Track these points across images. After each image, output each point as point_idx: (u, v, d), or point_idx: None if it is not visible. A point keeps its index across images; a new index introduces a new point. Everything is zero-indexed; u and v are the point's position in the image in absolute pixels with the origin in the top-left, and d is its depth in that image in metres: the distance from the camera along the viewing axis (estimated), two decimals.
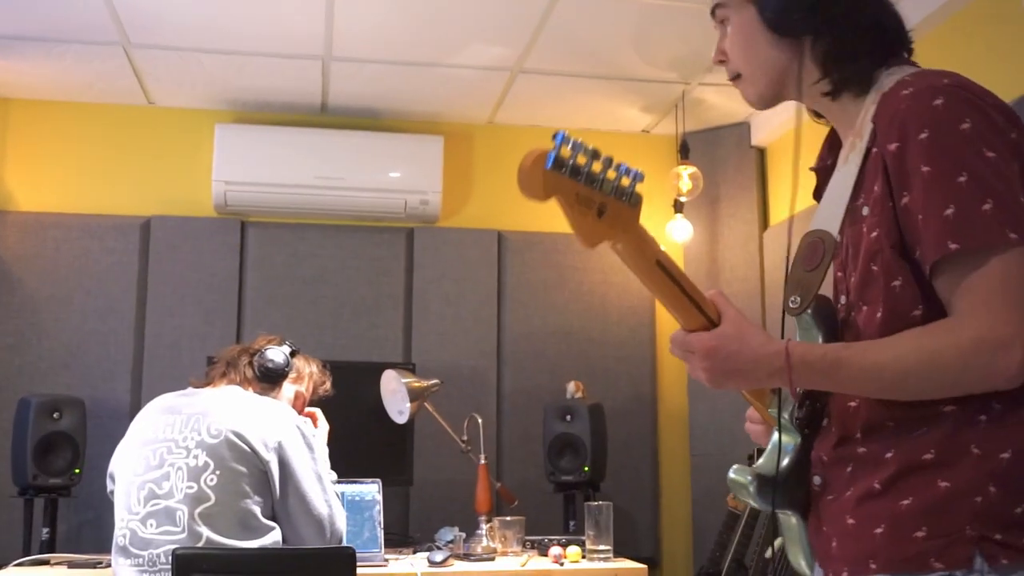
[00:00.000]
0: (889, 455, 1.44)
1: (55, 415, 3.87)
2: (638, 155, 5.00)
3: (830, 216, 1.54)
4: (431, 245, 4.75)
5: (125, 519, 2.63)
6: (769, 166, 4.88)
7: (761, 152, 4.88)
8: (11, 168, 4.55)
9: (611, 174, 1.34)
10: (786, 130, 4.60)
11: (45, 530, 3.87)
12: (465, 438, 3.97)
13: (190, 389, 2.82)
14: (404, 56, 4.20)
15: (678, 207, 4.69)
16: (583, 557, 3.61)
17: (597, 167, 1.32)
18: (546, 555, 3.67)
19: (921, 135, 1.40)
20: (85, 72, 4.34)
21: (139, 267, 4.51)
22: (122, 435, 2.86)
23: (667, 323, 4.80)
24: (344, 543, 2.76)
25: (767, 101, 1.66)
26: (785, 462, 1.56)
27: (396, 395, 3.83)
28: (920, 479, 1.40)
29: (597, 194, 1.33)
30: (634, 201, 1.38)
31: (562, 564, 3.56)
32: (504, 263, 4.80)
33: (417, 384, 3.83)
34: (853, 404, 1.49)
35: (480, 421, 3.97)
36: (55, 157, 4.59)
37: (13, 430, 3.91)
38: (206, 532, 2.54)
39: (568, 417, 4.27)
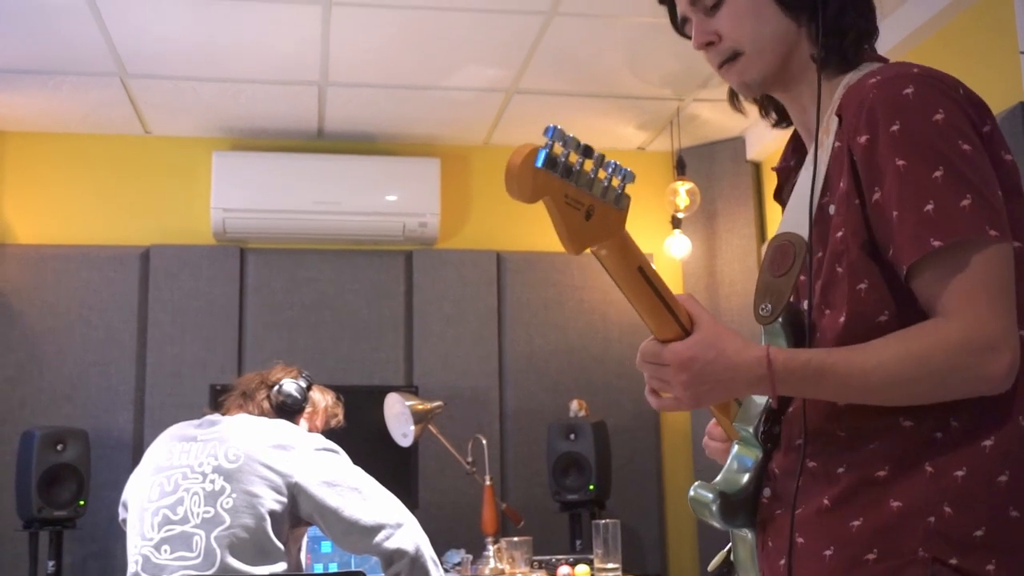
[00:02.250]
0: (840, 470, 1.37)
1: (59, 447, 3.86)
2: (635, 172, 5.00)
3: (799, 218, 1.46)
4: (430, 267, 4.75)
5: (138, 545, 2.63)
6: (765, 180, 4.90)
7: (756, 166, 4.90)
8: (9, 201, 4.56)
9: (602, 173, 1.25)
10: (781, 144, 4.61)
11: (51, 563, 3.85)
12: (470, 459, 3.96)
13: (206, 418, 2.82)
14: (399, 80, 4.22)
15: (676, 223, 4.70)
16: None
17: (588, 165, 1.24)
18: (555, 575, 3.66)
19: (892, 126, 1.33)
20: (82, 103, 4.35)
21: (139, 296, 4.51)
22: (127, 465, 2.86)
23: None
24: (417, 540, 2.70)
25: (769, 81, 1.54)
26: (745, 478, 1.47)
27: (400, 418, 3.83)
28: (871, 497, 1.33)
29: (586, 195, 1.24)
30: (622, 203, 1.29)
31: None
32: (503, 283, 4.81)
33: (420, 406, 3.83)
34: (806, 411, 1.41)
35: (484, 442, 3.97)
36: (53, 189, 4.60)
37: (17, 463, 3.90)
38: (221, 556, 2.54)
39: (572, 435, 4.27)
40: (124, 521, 2.76)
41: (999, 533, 1.30)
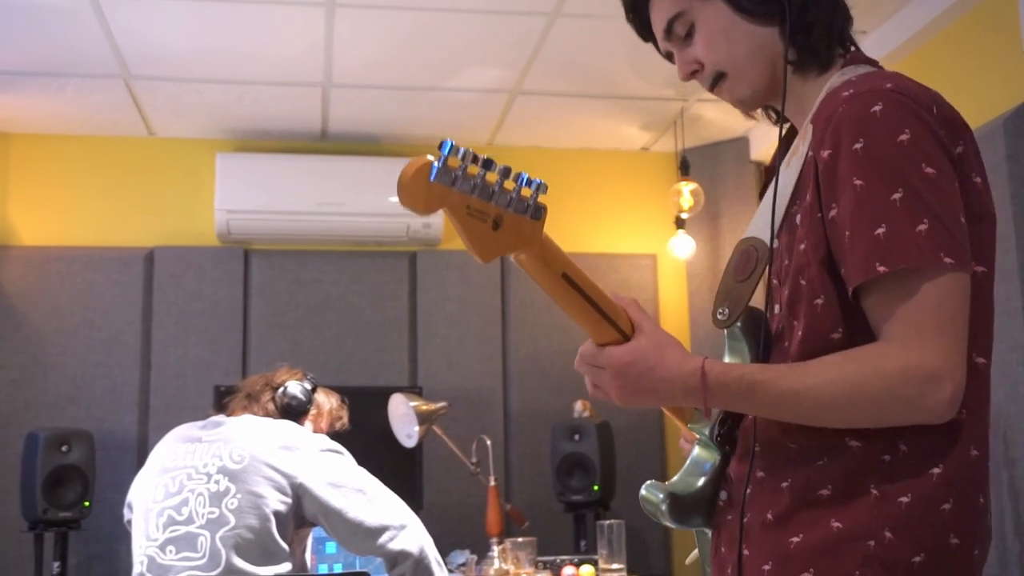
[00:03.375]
0: (785, 484, 1.36)
1: (63, 448, 3.86)
2: (638, 173, 5.01)
3: (765, 223, 1.44)
4: (434, 268, 4.75)
5: (143, 546, 2.63)
6: None
7: (760, 167, 4.90)
8: (13, 202, 4.56)
9: (509, 184, 1.25)
10: None
11: (56, 564, 3.86)
12: (474, 460, 3.96)
13: (210, 419, 2.82)
14: (403, 81, 4.22)
15: (680, 223, 4.70)
16: None
17: (492, 178, 1.23)
18: (559, 575, 3.66)
19: (855, 144, 1.30)
20: (86, 105, 4.36)
21: (143, 298, 4.52)
22: (131, 467, 2.86)
23: None
24: (421, 541, 2.69)
25: (759, 95, 1.54)
26: (701, 481, 1.47)
27: (404, 419, 3.83)
28: (813, 516, 1.32)
29: (491, 206, 1.23)
30: (536, 213, 1.28)
31: None
32: (507, 284, 4.81)
33: (425, 407, 3.83)
34: (756, 419, 1.41)
35: (488, 443, 3.97)
36: (57, 191, 4.61)
37: (22, 465, 3.90)
38: (227, 556, 2.54)
39: (576, 436, 4.27)
40: (129, 522, 2.77)
41: (937, 560, 1.29)
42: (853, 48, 1.52)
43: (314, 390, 2.99)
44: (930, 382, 1.25)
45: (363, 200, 4.60)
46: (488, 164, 1.22)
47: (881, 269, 1.26)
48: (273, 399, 2.89)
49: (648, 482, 1.48)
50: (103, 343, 4.44)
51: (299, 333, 4.60)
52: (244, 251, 4.65)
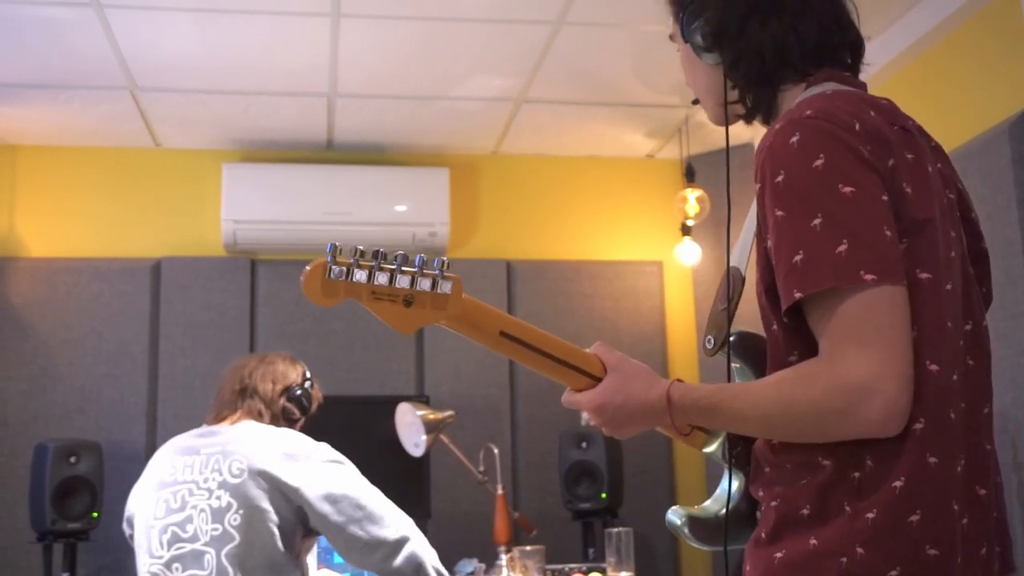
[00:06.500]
0: (774, 503, 1.40)
1: (72, 459, 3.87)
2: (644, 180, 5.01)
3: (741, 252, 1.55)
4: None
5: (147, 563, 2.62)
6: None
7: None
8: (20, 214, 4.57)
9: (407, 269, 1.35)
10: None
11: (65, 575, 3.86)
12: (482, 469, 3.96)
13: (206, 428, 2.80)
14: (408, 90, 4.23)
15: (686, 230, 4.69)
16: None
17: (388, 265, 1.34)
18: None
19: (777, 178, 1.36)
20: (92, 117, 4.37)
21: (150, 309, 4.52)
22: (139, 477, 2.85)
23: (679, 347, 4.80)
24: (422, 554, 2.68)
25: (721, 122, 1.64)
26: (720, 504, 1.54)
27: (412, 428, 3.83)
28: (795, 533, 1.36)
29: (396, 289, 1.34)
30: (444, 288, 1.36)
31: None
32: (514, 292, 4.81)
33: (432, 416, 3.83)
34: (756, 441, 1.47)
35: (496, 451, 3.96)
36: (64, 202, 4.62)
37: (30, 476, 3.90)
38: (233, 573, 2.53)
39: (584, 444, 4.26)
40: (131, 537, 2.75)
41: (914, 572, 1.30)
42: (849, 59, 1.57)
43: (311, 387, 2.99)
44: (855, 393, 1.28)
45: (369, 209, 4.61)
46: (381, 255, 1.34)
47: (797, 295, 1.32)
48: (273, 401, 2.87)
49: (674, 507, 1.57)
50: (111, 354, 4.44)
51: (306, 343, 4.60)
52: (251, 261, 4.65)
